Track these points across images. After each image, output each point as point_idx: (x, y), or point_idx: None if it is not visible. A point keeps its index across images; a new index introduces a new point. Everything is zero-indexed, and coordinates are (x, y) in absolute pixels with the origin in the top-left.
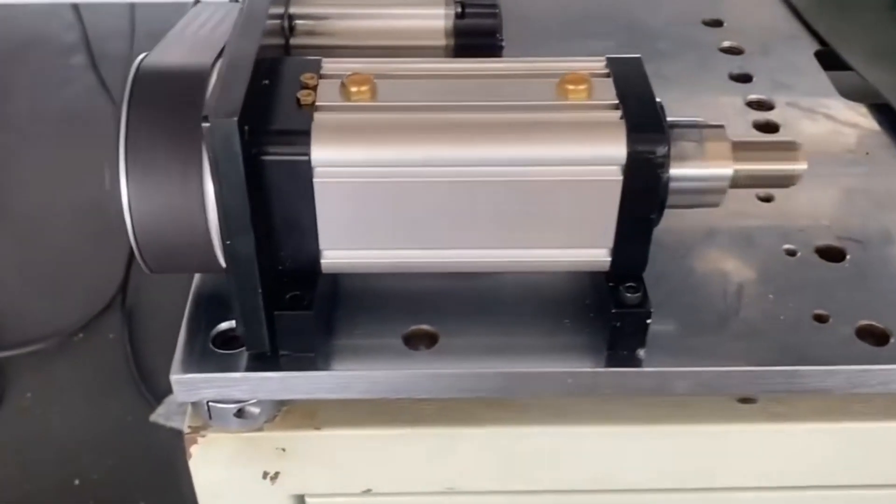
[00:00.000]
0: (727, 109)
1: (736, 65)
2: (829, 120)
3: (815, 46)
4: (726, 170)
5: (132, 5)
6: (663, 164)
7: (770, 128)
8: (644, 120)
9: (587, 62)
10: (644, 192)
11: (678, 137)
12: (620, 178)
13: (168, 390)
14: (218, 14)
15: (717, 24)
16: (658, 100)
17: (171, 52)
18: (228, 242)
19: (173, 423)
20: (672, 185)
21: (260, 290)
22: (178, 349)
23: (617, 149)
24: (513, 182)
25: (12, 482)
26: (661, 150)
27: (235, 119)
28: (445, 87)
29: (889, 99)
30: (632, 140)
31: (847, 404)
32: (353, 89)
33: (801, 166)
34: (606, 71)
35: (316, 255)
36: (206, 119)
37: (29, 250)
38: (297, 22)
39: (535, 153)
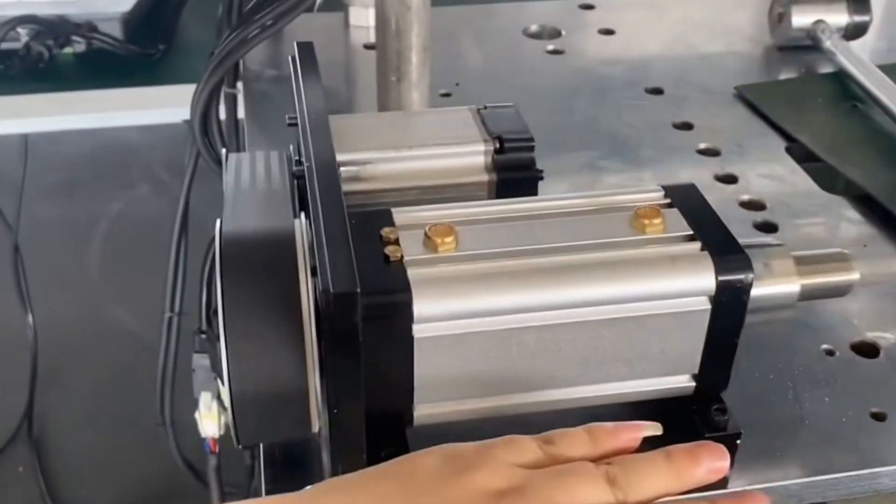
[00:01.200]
0: (723, 211)
1: (717, 166)
2: (819, 215)
3: (784, 143)
4: (794, 286)
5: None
6: (749, 289)
7: (770, 227)
8: (725, 248)
9: (647, 193)
10: (731, 317)
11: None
12: (709, 307)
13: None
14: (260, 163)
15: (687, 126)
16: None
17: (245, 215)
18: (335, 411)
19: None
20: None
21: (365, 455)
22: None
23: (706, 280)
24: (605, 321)
25: None
26: (748, 277)
27: (357, 291)
28: (523, 230)
29: (870, 191)
30: (720, 270)
31: None
32: (438, 241)
33: (855, 276)
34: (668, 201)
35: (409, 409)
36: (326, 293)
37: None
38: (342, 169)
39: (625, 291)
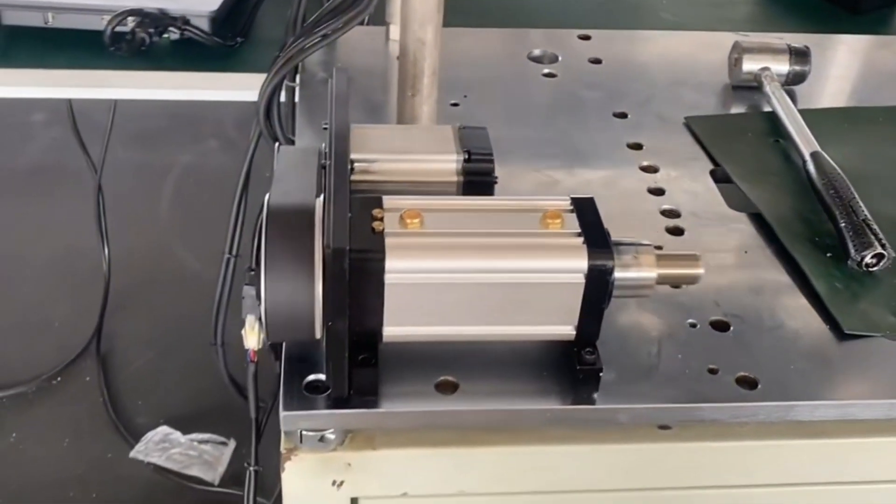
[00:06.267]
0: (646, 217)
1: (652, 180)
2: (719, 226)
3: (710, 166)
4: (652, 274)
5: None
6: (612, 272)
7: (678, 231)
8: (598, 244)
9: (558, 200)
10: (598, 290)
11: (623, 252)
12: (583, 281)
13: (142, 429)
14: (300, 155)
15: (637, 147)
16: (606, 227)
17: (285, 193)
18: (330, 324)
19: (151, 459)
20: (618, 283)
21: (347, 356)
22: (282, 395)
23: (581, 263)
24: (515, 283)
25: None
26: (609, 264)
27: (347, 248)
28: (468, 219)
29: (763, 212)
30: (591, 258)
31: (731, 429)
32: (409, 221)
33: (701, 271)
34: (571, 207)
35: (380, 329)
36: (327, 248)
37: (6, 299)
38: (356, 164)
39: (529, 265)
